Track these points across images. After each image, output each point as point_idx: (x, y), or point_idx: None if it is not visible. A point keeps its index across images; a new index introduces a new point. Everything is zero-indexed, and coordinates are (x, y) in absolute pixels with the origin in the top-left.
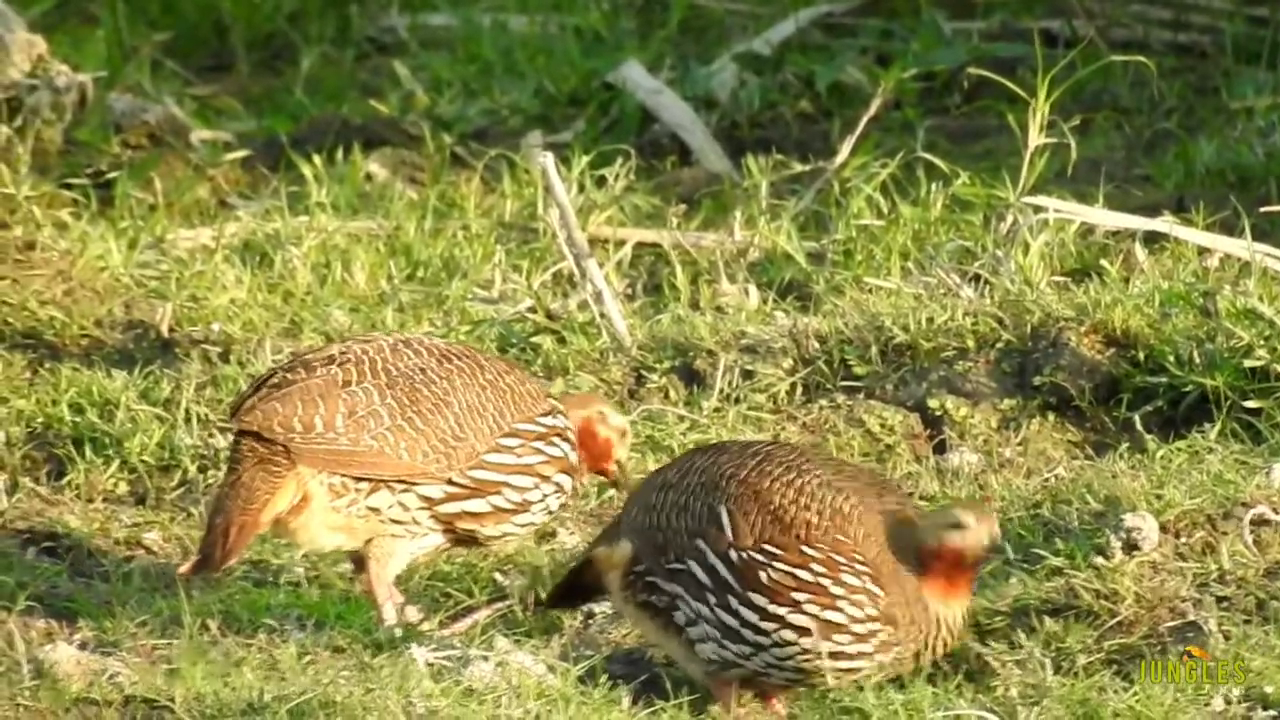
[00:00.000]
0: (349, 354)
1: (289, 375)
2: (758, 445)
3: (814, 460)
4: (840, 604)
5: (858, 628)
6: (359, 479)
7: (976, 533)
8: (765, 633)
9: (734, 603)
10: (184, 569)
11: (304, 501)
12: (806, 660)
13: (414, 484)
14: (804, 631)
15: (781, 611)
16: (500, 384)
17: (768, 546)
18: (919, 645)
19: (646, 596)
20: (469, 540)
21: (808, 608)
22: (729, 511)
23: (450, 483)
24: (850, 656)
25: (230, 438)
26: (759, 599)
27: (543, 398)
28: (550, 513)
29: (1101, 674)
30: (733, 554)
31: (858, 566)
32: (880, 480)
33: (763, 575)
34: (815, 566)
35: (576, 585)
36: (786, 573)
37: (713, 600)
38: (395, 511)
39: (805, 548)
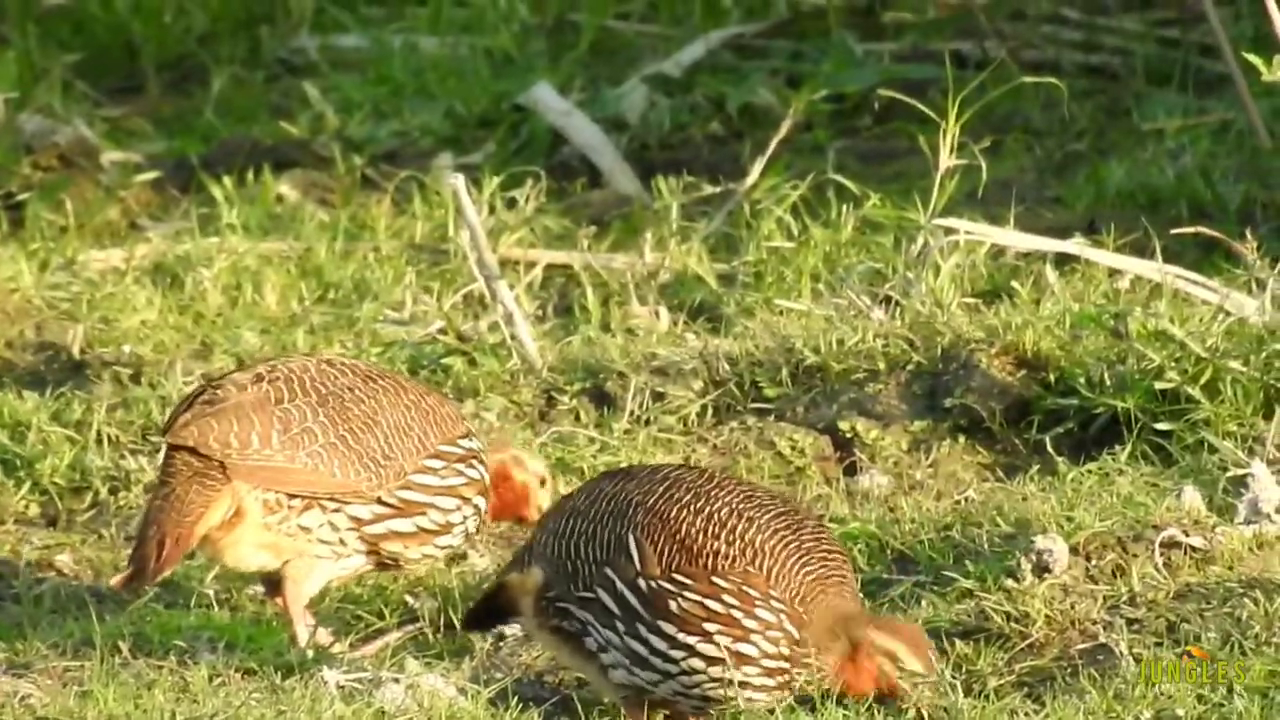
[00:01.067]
0: (276, 373)
1: (220, 393)
2: (666, 470)
3: (724, 487)
4: (753, 638)
5: (768, 663)
6: (293, 495)
7: (911, 664)
8: (674, 660)
9: (643, 630)
10: (115, 581)
11: (237, 516)
12: (713, 688)
13: (345, 503)
14: (713, 661)
15: (691, 641)
16: (423, 405)
17: (677, 576)
18: (821, 684)
19: (559, 622)
20: (391, 563)
21: (718, 638)
22: (636, 540)
23: (379, 502)
24: (756, 688)
25: (153, 453)
26: (668, 627)
27: (460, 420)
28: (467, 535)
29: (1012, 696)
30: (641, 583)
31: (773, 603)
32: (793, 507)
33: (673, 604)
34: (726, 598)
35: (490, 609)
36: (697, 602)
37: (621, 628)
38: (324, 531)
39: (715, 578)
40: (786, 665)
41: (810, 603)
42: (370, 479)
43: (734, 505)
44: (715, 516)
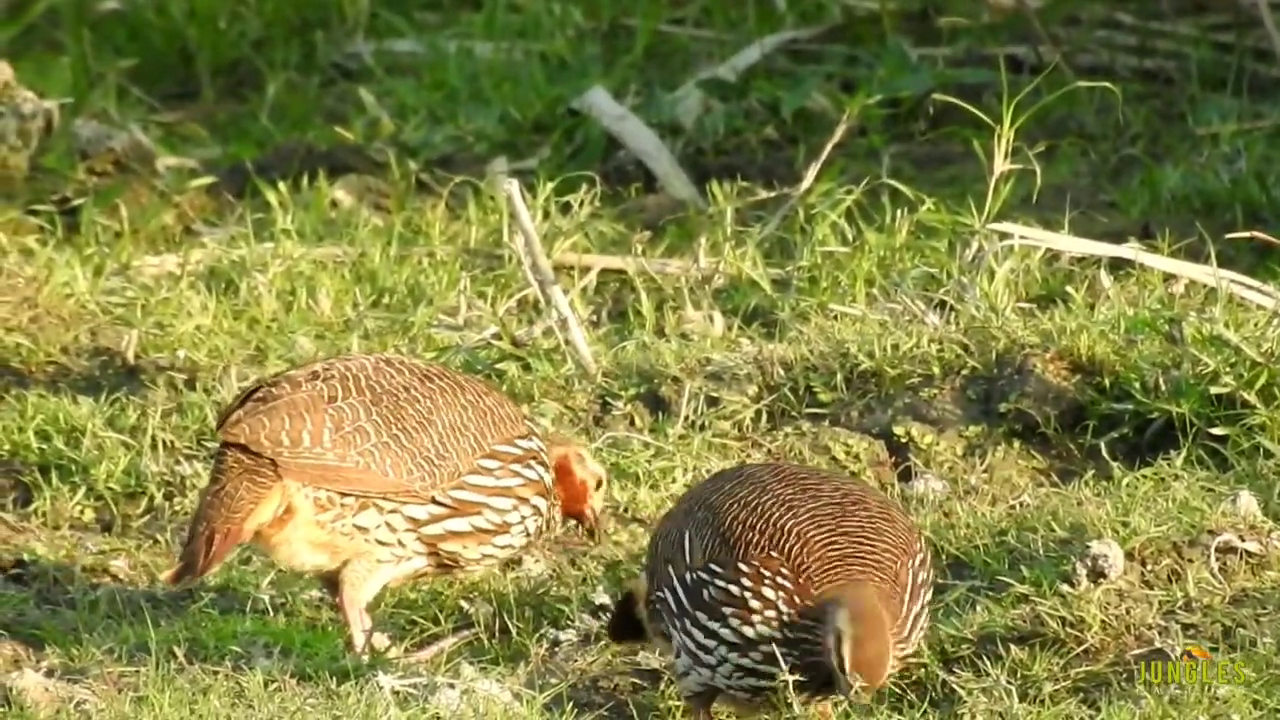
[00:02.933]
0: (332, 370)
1: (274, 390)
2: (752, 469)
3: (790, 482)
4: (753, 618)
5: (765, 648)
6: (345, 494)
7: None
8: (709, 650)
9: (688, 623)
10: (166, 575)
11: (288, 514)
12: (745, 678)
13: (401, 504)
14: (733, 646)
15: (714, 626)
16: (480, 405)
17: (712, 565)
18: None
19: (662, 625)
20: (451, 564)
21: (731, 621)
22: (689, 535)
23: (434, 502)
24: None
25: (209, 453)
26: (702, 616)
27: (520, 420)
28: (528, 535)
29: (1067, 702)
30: (687, 575)
31: (779, 579)
32: (857, 499)
33: (704, 594)
34: (745, 581)
35: (626, 618)
36: (723, 589)
37: (678, 624)
38: (382, 532)
39: (739, 563)
40: (785, 650)
41: (818, 585)
42: (423, 479)
43: (784, 497)
44: (760, 507)
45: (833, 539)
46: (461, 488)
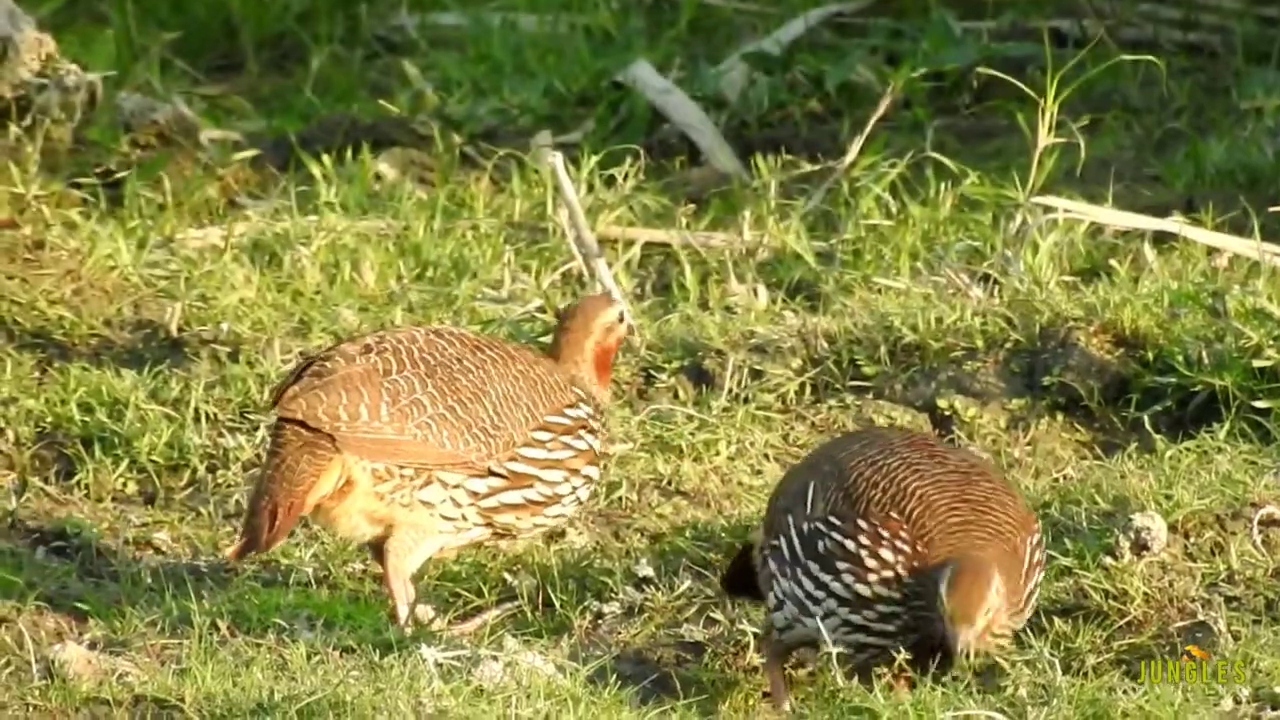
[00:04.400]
0: (384, 344)
1: (328, 364)
2: (881, 432)
3: (919, 448)
4: (869, 578)
5: (881, 607)
6: (403, 466)
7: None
8: (818, 601)
9: (798, 572)
10: (230, 551)
11: (348, 486)
12: (850, 634)
13: (464, 479)
14: (843, 601)
15: (826, 579)
16: (530, 374)
17: (831, 518)
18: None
19: (768, 572)
20: (504, 534)
21: (845, 577)
22: (813, 486)
23: (491, 474)
24: (875, 634)
25: (271, 426)
26: (814, 567)
27: (568, 389)
28: (580, 504)
29: (1111, 674)
30: (805, 525)
31: (899, 543)
32: (980, 470)
33: (820, 545)
34: (862, 538)
35: (741, 570)
36: (838, 543)
37: (788, 572)
38: (447, 507)
39: (859, 519)
40: (899, 610)
41: (939, 547)
42: (479, 449)
43: (912, 460)
44: (886, 467)
45: (955, 505)
46: (516, 459)
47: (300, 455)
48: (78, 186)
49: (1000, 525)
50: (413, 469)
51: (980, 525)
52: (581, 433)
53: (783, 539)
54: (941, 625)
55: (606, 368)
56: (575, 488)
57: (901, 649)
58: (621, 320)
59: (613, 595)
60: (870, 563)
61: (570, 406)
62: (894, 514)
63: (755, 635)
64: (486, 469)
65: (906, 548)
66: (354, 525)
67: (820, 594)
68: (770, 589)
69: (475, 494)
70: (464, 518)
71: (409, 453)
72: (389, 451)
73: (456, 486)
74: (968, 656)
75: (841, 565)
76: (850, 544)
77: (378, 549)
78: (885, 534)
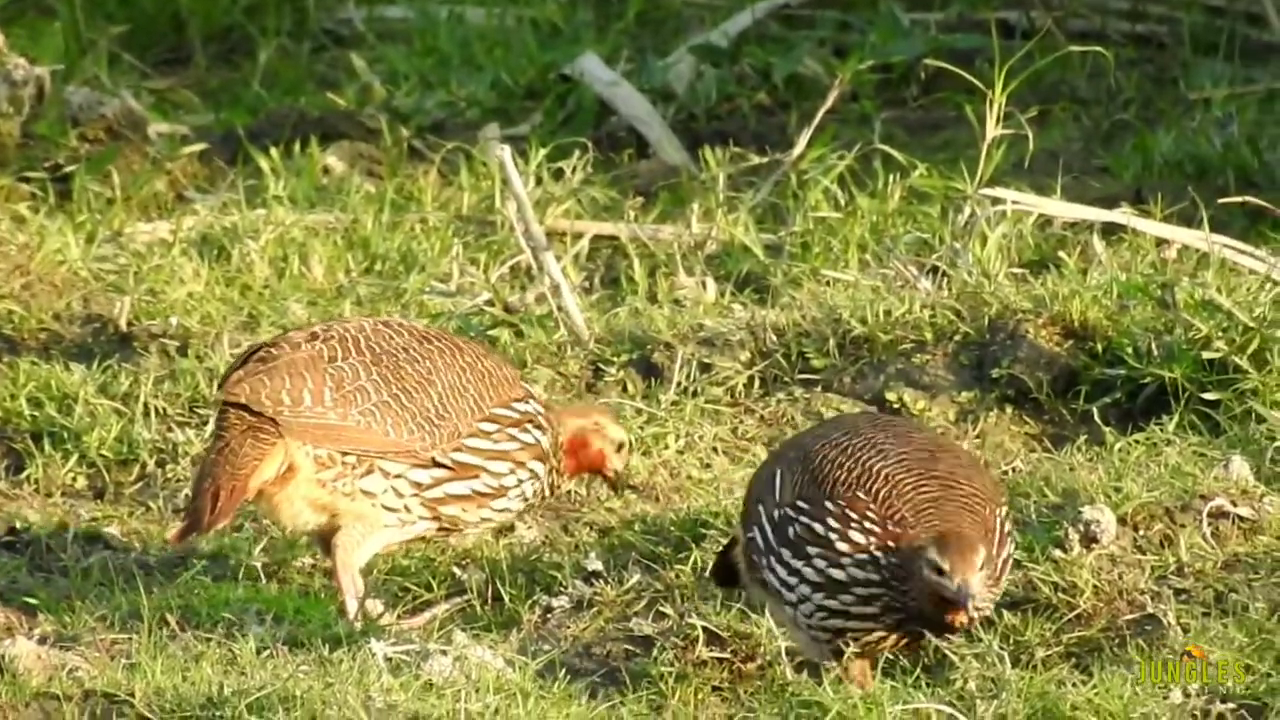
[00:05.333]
0: (331, 332)
1: (274, 350)
2: (851, 416)
3: (885, 429)
4: (843, 561)
5: (859, 590)
6: (346, 453)
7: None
8: (791, 588)
9: (772, 560)
10: (172, 534)
11: (290, 472)
12: (826, 619)
13: (406, 469)
14: (817, 587)
15: (797, 565)
16: (479, 366)
17: (799, 502)
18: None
19: (757, 573)
20: (451, 527)
21: (816, 561)
22: (780, 473)
23: (435, 464)
24: (857, 617)
25: (212, 414)
26: (785, 553)
27: (518, 383)
28: (526, 500)
29: (1060, 667)
30: (775, 513)
31: (866, 524)
32: (947, 449)
33: (790, 530)
34: (830, 520)
35: (727, 563)
36: (806, 526)
37: (764, 562)
38: (389, 498)
39: (826, 502)
40: (880, 591)
41: (911, 525)
42: (424, 439)
43: (876, 440)
44: (850, 448)
45: (923, 482)
46: (461, 450)
47: (244, 439)
48: (26, 181)
49: (969, 498)
50: (355, 456)
51: (950, 500)
52: (529, 427)
53: (756, 530)
54: (944, 589)
55: (576, 465)
56: (521, 480)
57: (889, 633)
58: (619, 450)
59: (562, 589)
60: (842, 546)
61: (519, 400)
62: (860, 494)
63: (704, 629)
64: (430, 459)
65: (876, 528)
66: (297, 512)
67: (793, 580)
68: (763, 588)
69: (418, 485)
70: (407, 509)
71: (352, 439)
72: (331, 437)
73: (398, 476)
74: (978, 609)
75: (813, 550)
76: (819, 527)
77: (326, 544)
78: (854, 515)
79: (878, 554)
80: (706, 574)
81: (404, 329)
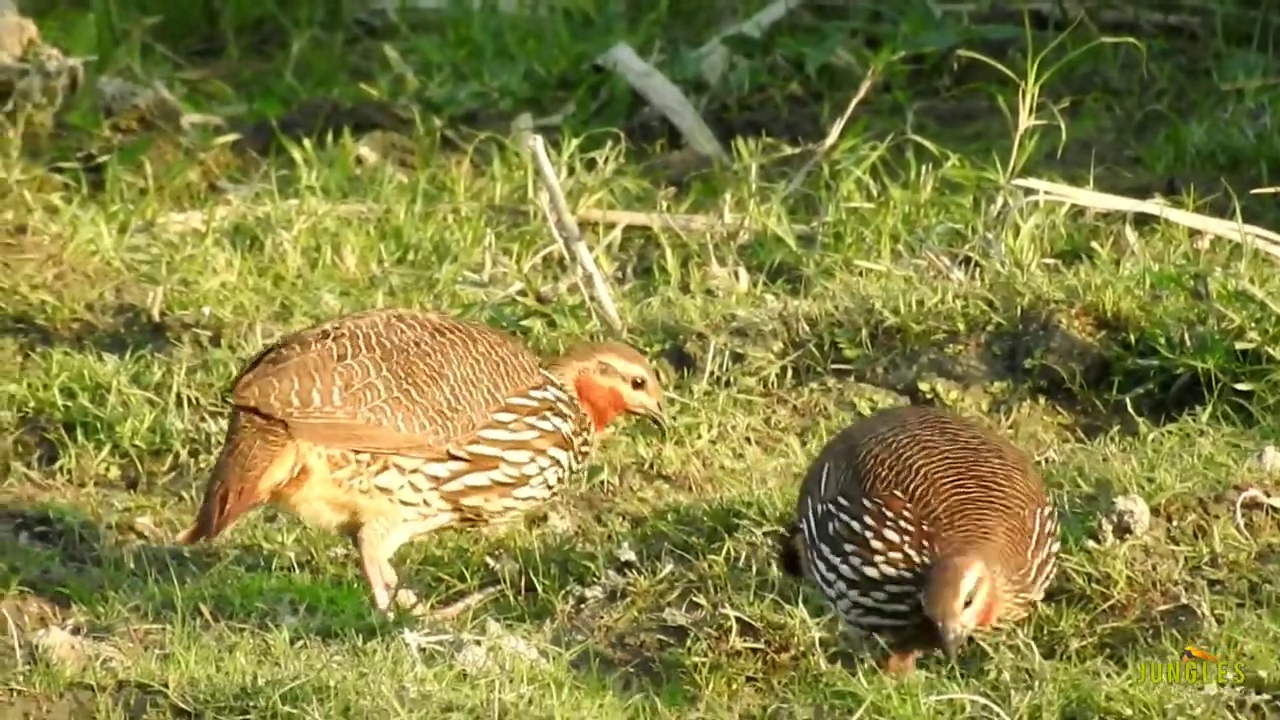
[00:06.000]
0: (343, 329)
1: (285, 351)
2: (903, 410)
3: (933, 425)
4: (876, 559)
5: (891, 588)
6: (358, 451)
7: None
8: (830, 583)
9: (814, 555)
10: (181, 536)
11: (304, 474)
12: (863, 616)
13: (422, 464)
14: (852, 583)
15: (835, 561)
16: (493, 356)
17: (840, 498)
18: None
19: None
20: (474, 518)
21: (852, 559)
22: (828, 468)
23: (451, 457)
24: (887, 615)
25: (227, 414)
26: (825, 549)
27: (535, 371)
28: (549, 487)
29: (1094, 658)
30: (819, 507)
31: (901, 523)
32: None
33: (830, 526)
34: (867, 518)
35: (791, 550)
36: (845, 523)
37: (810, 554)
38: (406, 493)
39: (864, 499)
40: (911, 589)
41: (945, 526)
42: (436, 433)
43: (921, 437)
44: (894, 444)
45: (961, 481)
46: (477, 442)
47: (254, 442)
48: (59, 171)
49: (1008, 500)
50: (368, 454)
51: (986, 501)
52: (548, 414)
53: (804, 523)
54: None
55: (595, 412)
56: (543, 468)
57: (922, 632)
58: (639, 385)
59: (595, 579)
60: (876, 544)
61: (536, 388)
62: (898, 492)
63: (738, 620)
64: (446, 453)
65: (911, 527)
66: (316, 513)
67: (831, 575)
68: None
69: (436, 479)
70: (426, 503)
71: (363, 437)
72: (341, 436)
73: (414, 471)
74: (960, 647)
75: (849, 547)
76: (856, 525)
77: (355, 536)
78: (889, 513)
79: (910, 553)
80: (777, 565)
81: (417, 322)
